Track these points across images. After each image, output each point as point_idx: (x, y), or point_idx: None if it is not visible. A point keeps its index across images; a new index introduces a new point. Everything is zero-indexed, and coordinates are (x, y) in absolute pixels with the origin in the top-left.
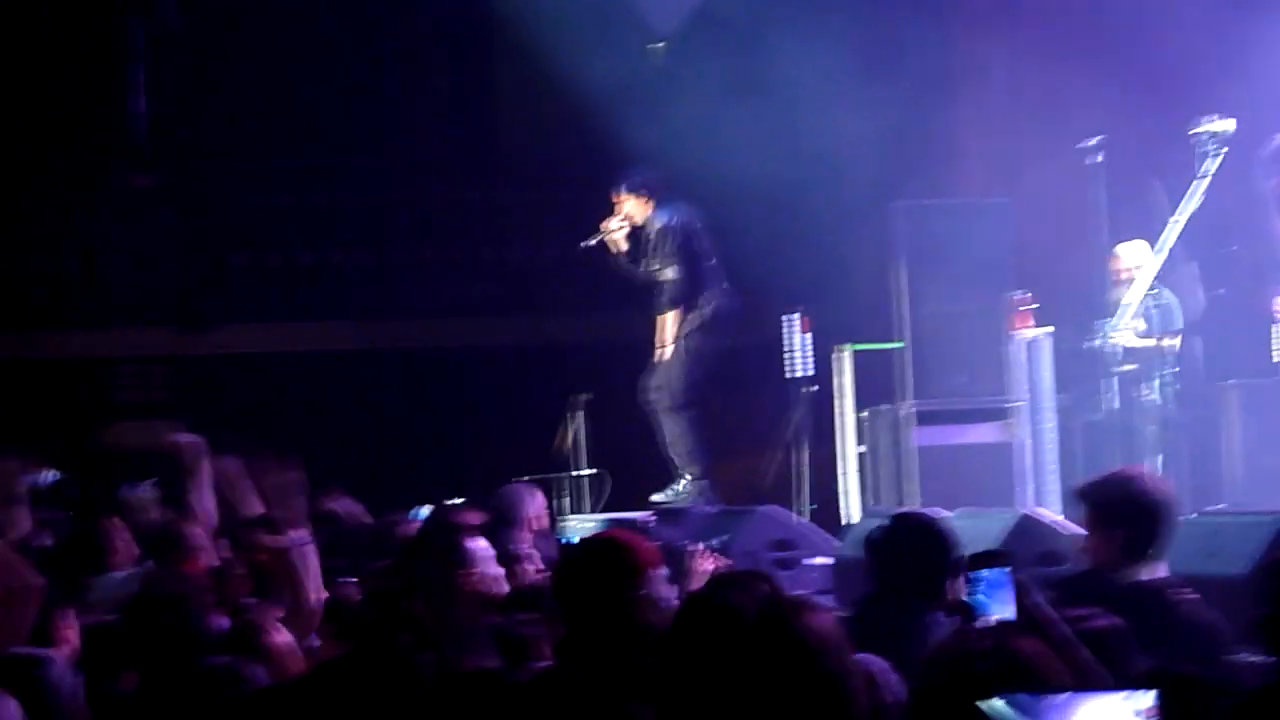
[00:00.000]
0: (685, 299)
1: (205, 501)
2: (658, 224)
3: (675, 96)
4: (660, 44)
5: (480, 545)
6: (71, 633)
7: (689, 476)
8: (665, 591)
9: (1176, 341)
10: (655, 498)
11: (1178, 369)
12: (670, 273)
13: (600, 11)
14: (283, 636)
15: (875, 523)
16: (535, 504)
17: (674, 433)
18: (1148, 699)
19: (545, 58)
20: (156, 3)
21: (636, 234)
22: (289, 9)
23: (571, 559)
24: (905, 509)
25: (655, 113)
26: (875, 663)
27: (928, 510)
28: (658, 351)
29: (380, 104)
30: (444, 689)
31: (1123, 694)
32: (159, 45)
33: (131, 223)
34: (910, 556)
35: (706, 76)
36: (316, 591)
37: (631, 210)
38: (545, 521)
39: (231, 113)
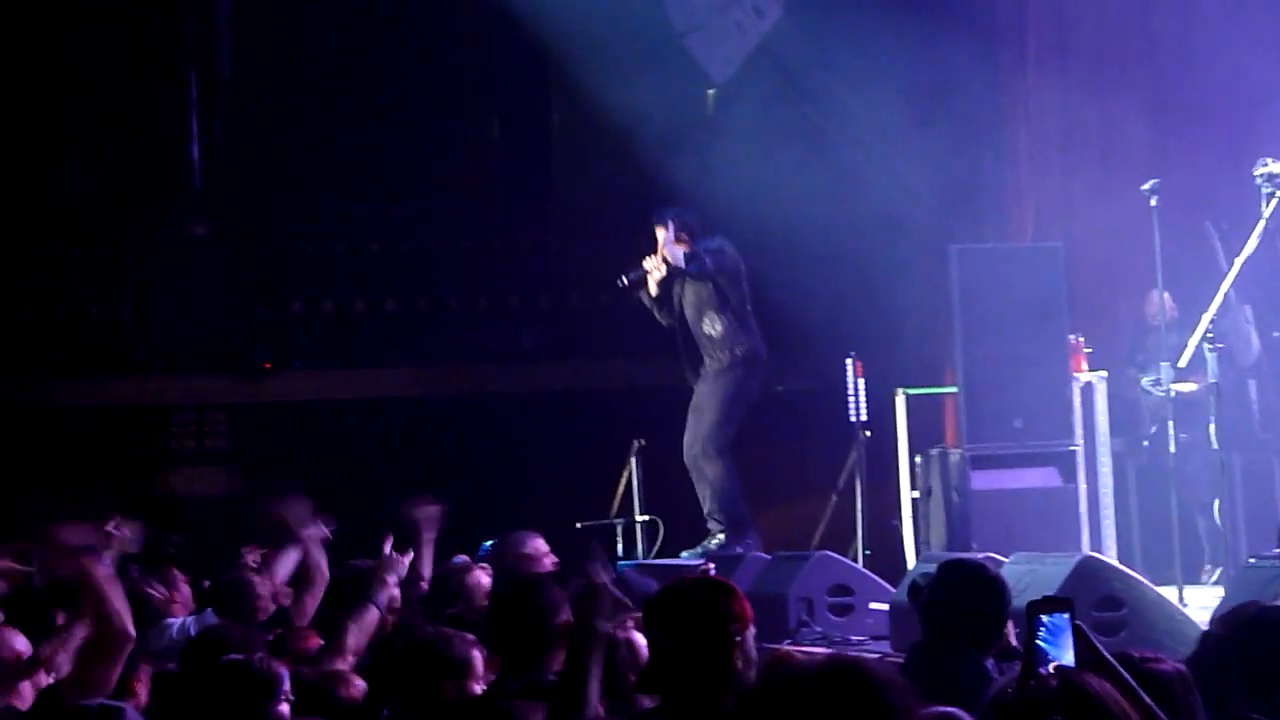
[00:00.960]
0: (738, 337)
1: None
2: (711, 262)
3: (730, 143)
4: (714, 90)
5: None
6: (142, 687)
7: (725, 526)
8: (754, 652)
9: (1231, 385)
10: (685, 554)
11: (1233, 413)
12: (722, 313)
13: (654, 58)
14: (359, 688)
15: (927, 568)
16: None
17: (713, 480)
18: None
19: (599, 104)
20: (211, 53)
21: (670, 274)
22: (342, 57)
23: (688, 587)
24: (955, 555)
25: (709, 159)
26: (959, 715)
27: (978, 556)
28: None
29: (434, 151)
30: None
31: None
32: (214, 94)
33: (187, 270)
34: (960, 604)
35: (761, 123)
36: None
37: (671, 251)
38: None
39: (286, 160)
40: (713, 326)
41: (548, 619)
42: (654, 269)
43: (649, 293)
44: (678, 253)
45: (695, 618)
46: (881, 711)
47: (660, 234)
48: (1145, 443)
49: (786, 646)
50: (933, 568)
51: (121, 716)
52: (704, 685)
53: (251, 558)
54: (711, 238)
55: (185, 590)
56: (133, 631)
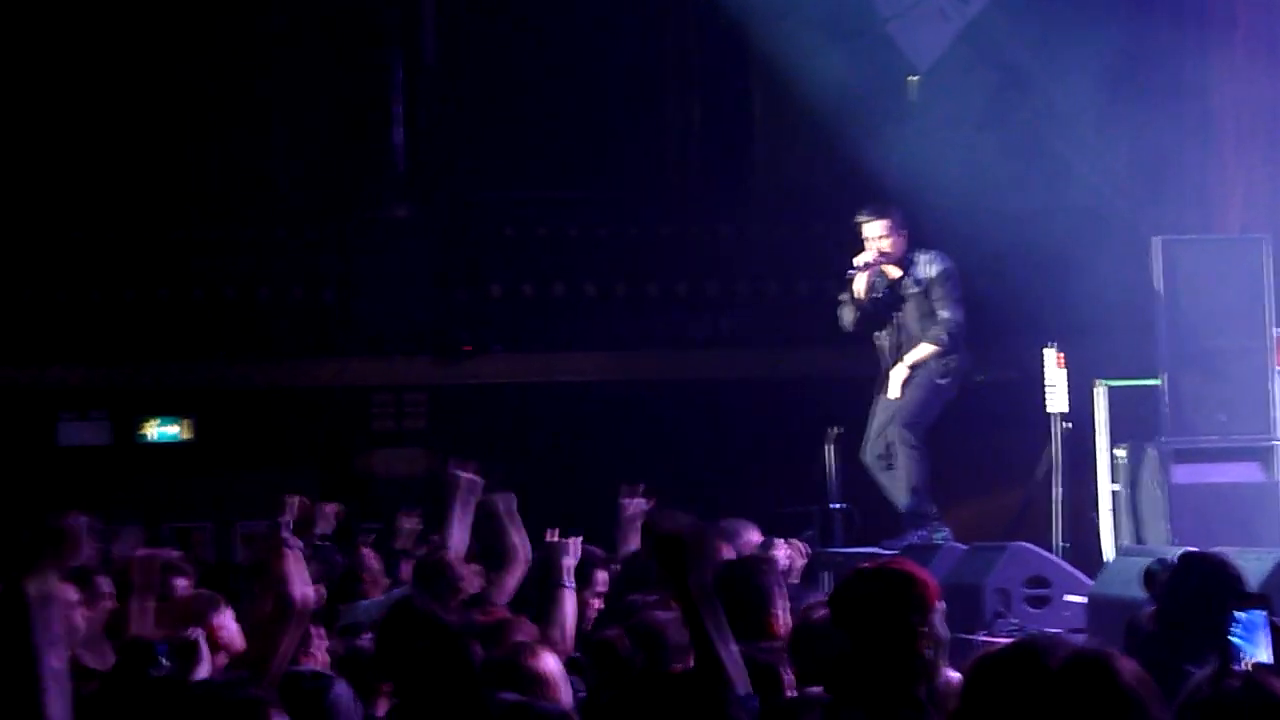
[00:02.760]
0: (958, 342)
1: (460, 535)
2: (938, 266)
3: (933, 129)
4: (917, 77)
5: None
6: (320, 652)
7: (920, 513)
8: (945, 630)
9: None
10: (887, 542)
11: None
12: (949, 313)
13: (857, 43)
14: (548, 663)
15: (1133, 562)
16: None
17: (905, 470)
18: None
19: (801, 90)
20: (415, 37)
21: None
22: (544, 42)
23: (863, 583)
24: (1174, 547)
25: (912, 146)
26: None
27: (1216, 550)
28: (893, 389)
29: (635, 136)
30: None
31: None
32: (417, 79)
33: (388, 253)
34: (1197, 597)
35: (963, 109)
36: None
37: (889, 247)
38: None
39: (487, 144)
40: (958, 326)
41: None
42: (871, 265)
43: (865, 286)
44: (899, 251)
45: (875, 615)
46: (1124, 705)
47: (877, 227)
48: None
49: (982, 638)
50: (1156, 558)
51: (331, 685)
52: (894, 680)
53: (409, 524)
54: (923, 250)
55: (376, 568)
56: (308, 605)
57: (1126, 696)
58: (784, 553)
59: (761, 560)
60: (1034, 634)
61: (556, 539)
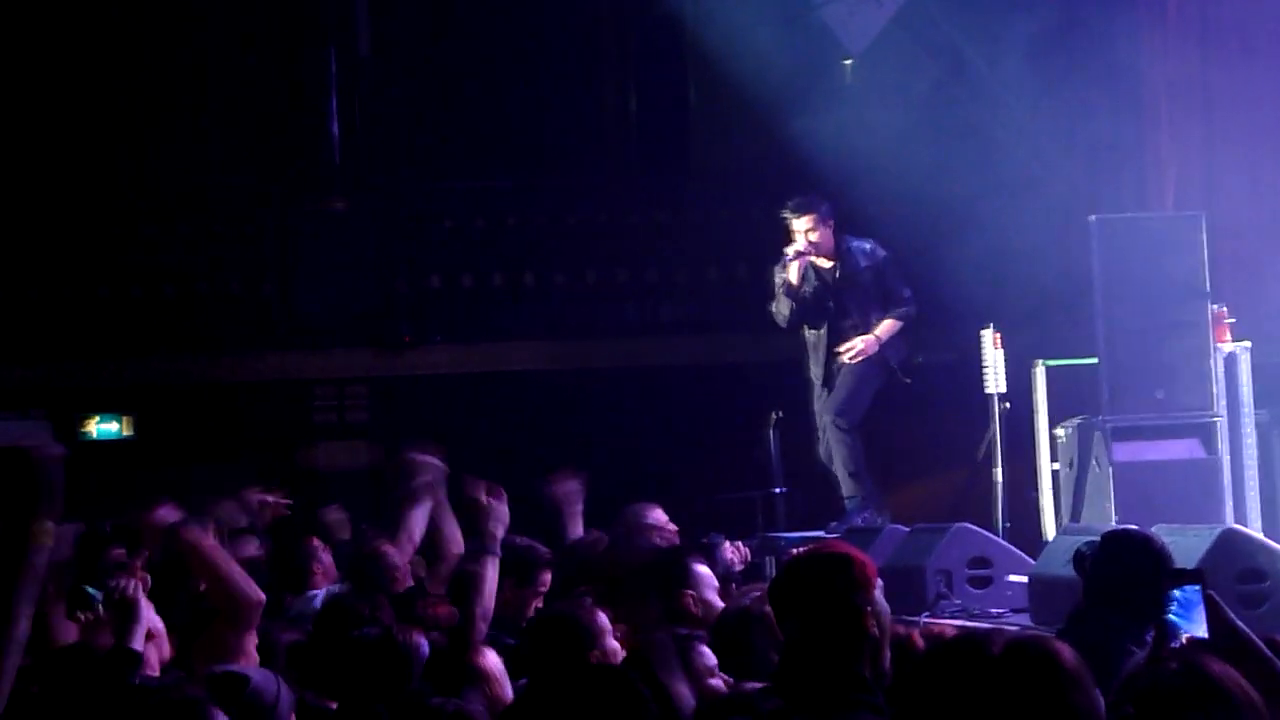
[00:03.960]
0: (913, 320)
1: (417, 523)
2: (883, 250)
3: (868, 113)
4: (851, 60)
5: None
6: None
7: (859, 497)
8: (885, 606)
9: None
10: (832, 525)
11: None
12: (904, 292)
13: (792, 29)
14: (490, 660)
15: (1074, 540)
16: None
17: (845, 454)
18: None
19: (738, 77)
20: (350, 30)
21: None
22: (479, 33)
23: (803, 567)
24: (1113, 526)
25: (848, 129)
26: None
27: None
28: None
29: (572, 125)
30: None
31: None
32: (353, 71)
33: (327, 245)
34: (1123, 574)
35: (899, 92)
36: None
37: (818, 239)
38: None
39: (424, 136)
40: (911, 306)
41: None
42: (803, 254)
43: (791, 278)
44: (828, 243)
45: (820, 601)
46: (1064, 690)
47: (805, 221)
48: None
49: (924, 620)
50: (1096, 537)
51: (247, 684)
52: (842, 662)
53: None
54: (850, 237)
55: (326, 560)
56: (258, 597)
57: (1068, 680)
58: (730, 554)
59: (688, 548)
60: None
61: (487, 502)
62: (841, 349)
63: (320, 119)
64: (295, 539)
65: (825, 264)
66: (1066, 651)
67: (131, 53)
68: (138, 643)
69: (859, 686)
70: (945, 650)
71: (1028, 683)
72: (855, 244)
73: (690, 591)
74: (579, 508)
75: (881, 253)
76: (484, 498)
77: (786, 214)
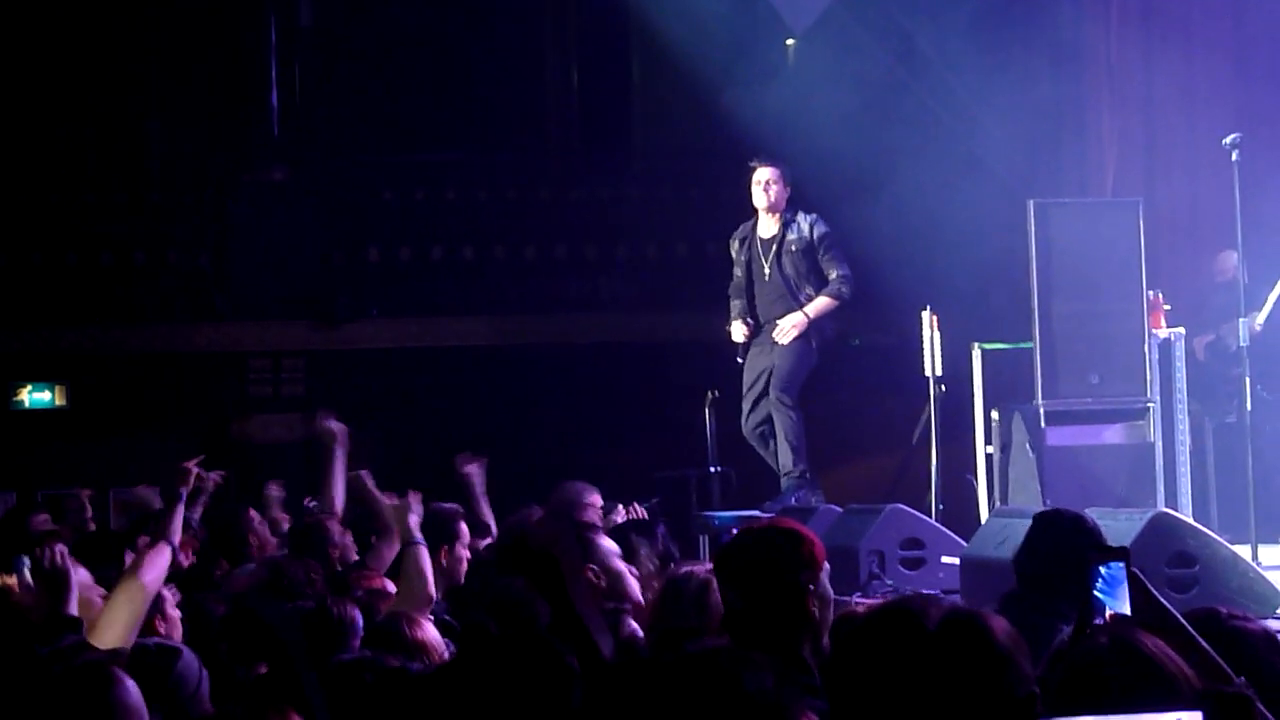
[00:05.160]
0: (849, 298)
1: (338, 488)
2: (821, 227)
3: (810, 92)
4: (794, 40)
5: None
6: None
7: (797, 474)
8: (830, 589)
9: None
10: (767, 504)
11: None
12: (844, 269)
13: (734, 8)
14: (429, 631)
15: (1005, 523)
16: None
17: (788, 426)
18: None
19: (679, 55)
20: (289, 1)
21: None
22: (421, 5)
23: (752, 542)
24: (1043, 508)
25: (790, 109)
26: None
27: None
28: (783, 335)
29: (513, 99)
30: (594, 675)
31: (1173, 714)
32: (293, 42)
33: (265, 217)
34: (1054, 554)
35: (841, 71)
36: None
37: (774, 196)
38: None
39: (364, 108)
40: (849, 281)
41: None
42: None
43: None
44: (781, 202)
45: (765, 573)
46: (999, 663)
47: (767, 172)
48: (1226, 401)
49: (856, 600)
50: (1011, 521)
51: (179, 657)
52: (781, 636)
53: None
54: (802, 211)
55: (263, 532)
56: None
57: (1001, 655)
58: (623, 518)
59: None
60: (906, 595)
61: (395, 501)
62: (775, 329)
63: (260, 90)
64: (232, 511)
65: (766, 235)
66: (1001, 626)
67: (70, 22)
68: (72, 608)
69: (796, 665)
70: (880, 622)
71: (962, 657)
72: (802, 216)
73: (591, 565)
74: (482, 488)
75: (822, 228)
76: (390, 498)
77: (754, 163)
